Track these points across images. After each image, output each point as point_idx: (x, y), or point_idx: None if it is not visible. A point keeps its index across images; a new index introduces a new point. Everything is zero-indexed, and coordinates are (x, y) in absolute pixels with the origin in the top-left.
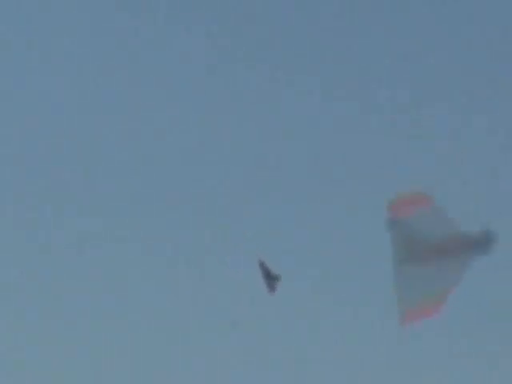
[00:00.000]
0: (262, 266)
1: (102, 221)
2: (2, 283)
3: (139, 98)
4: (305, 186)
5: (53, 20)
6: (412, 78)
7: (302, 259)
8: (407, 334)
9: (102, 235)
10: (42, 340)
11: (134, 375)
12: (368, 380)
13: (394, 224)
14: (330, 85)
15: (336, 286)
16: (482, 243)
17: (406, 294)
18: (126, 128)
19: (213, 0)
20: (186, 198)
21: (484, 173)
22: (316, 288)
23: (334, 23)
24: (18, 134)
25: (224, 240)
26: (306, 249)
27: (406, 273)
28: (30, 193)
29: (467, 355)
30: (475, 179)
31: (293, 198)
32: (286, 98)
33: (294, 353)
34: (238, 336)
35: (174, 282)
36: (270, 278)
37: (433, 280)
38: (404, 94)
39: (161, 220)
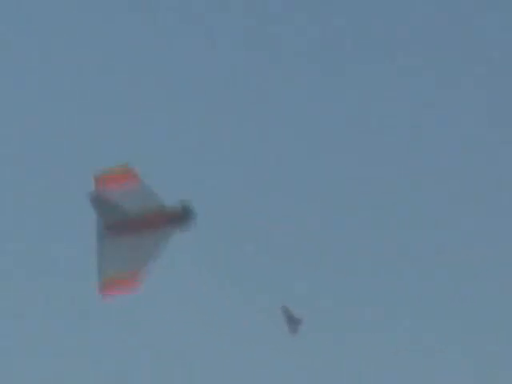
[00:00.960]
0: (285, 310)
1: None
2: None
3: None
4: None
5: (53, 19)
6: None
7: None
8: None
9: None
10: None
11: None
12: None
13: (97, 198)
14: None
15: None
16: (181, 218)
17: (107, 265)
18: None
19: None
20: None
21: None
22: None
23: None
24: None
25: None
26: None
27: (108, 245)
28: None
29: None
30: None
31: None
32: None
33: None
34: None
35: None
36: (293, 322)
37: (134, 252)
38: None
39: None
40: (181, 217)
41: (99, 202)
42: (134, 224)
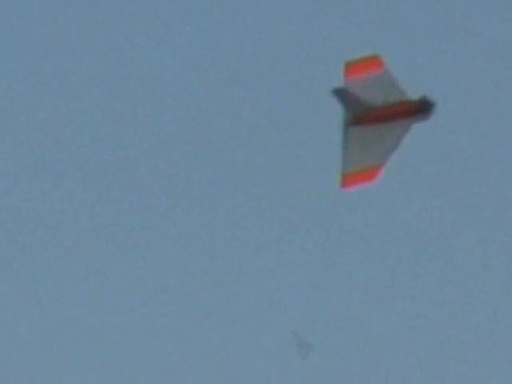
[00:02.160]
0: (295, 335)
1: None
2: None
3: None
4: None
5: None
6: None
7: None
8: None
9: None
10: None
11: None
12: None
13: (340, 90)
14: None
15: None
16: (422, 111)
17: (349, 156)
18: None
19: None
20: None
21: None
22: None
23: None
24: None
25: None
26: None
27: (350, 136)
28: None
29: None
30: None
31: None
32: None
33: None
34: None
35: None
36: (303, 347)
37: (375, 144)
38: None
39: None
40: (421, 110)
41: (343, 94)
42: (376, 115)
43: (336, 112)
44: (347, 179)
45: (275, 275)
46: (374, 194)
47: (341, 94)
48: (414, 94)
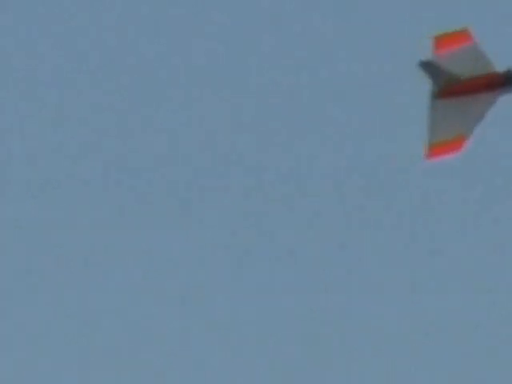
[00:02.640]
0: None
1: None
2: None
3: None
4: None
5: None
6: None
7: None
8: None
9: None
10: None
11: None
12: None
13: (427, 62)
14: None
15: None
16: (508, 82)
17: (435, 127)
18: None
19: None
20: None
21: None
22: None
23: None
24: None
25: None
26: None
27: (437, 108)
28: None
29: None
30: None
31: None
32: None
33: None
34: None
35: None
36: None
37: (461, 116)
38: None
39: None
40: (506, 82)
41: (431, 67)
42: (463, 88)
43: (425, 84)
44: (433, 150)
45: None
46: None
47: (428, 66)
48: (503, 65)
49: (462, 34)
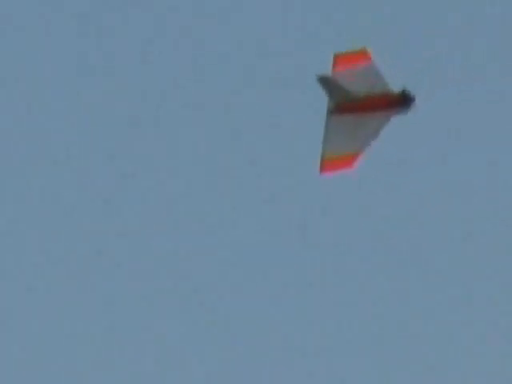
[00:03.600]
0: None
1: None
2: None
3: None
4: None
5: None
6: None
7: None
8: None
9: None
10: None
11: None
12: None
13: (325, 77)
14: None
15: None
16: (401, 103)
17: (329, 143)
18: None
19: None
20: None
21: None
22: None
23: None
24: None
25: None
26: None
27: (332, 124)
28: None
29: None
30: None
31: None
32: None
33: None
34: None
35: None
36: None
37: (355, 133)
38: None
39: None
40: (401, 102)
41: (328, 82)
42: (359, 106)
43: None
44: (326, 165)
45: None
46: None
47: (325, 81)
48: (400, 85)
49: (360, 53)
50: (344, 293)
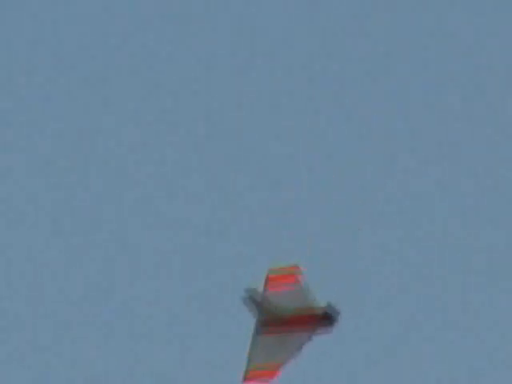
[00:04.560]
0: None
1: None
2: None
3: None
4: None
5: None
6: None
7: None
8: None
9: None
10: None
11: None
12: None
13: (252, 300)
14: None
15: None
16: (325, 320)
17: (253, 355)
18: None
19: None
20: None
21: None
22: None
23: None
24: None
25: None
26: None
27: (258, 341)
28: None
29: None
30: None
31: None
32: None
33: None
34: None
35: None
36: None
37: (279, 348)
38: None
39: None
40: (324, 319)
41: (254, 302)
42: (284, 323)
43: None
44: (248, 375)
45: None
46: None
47: (252, 301)
48: (325, 302)
49: (292, 271)
50: None
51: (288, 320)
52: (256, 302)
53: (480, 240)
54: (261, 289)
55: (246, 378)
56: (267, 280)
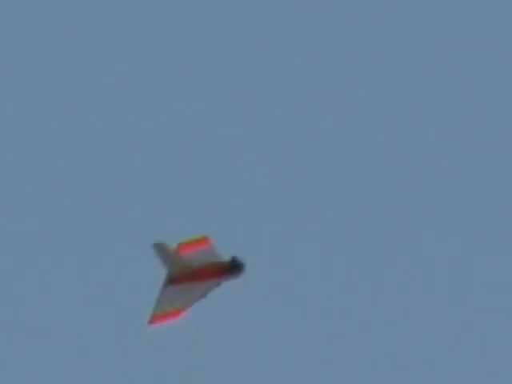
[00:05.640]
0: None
1: None
2: None
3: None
4: None
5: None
6: None
7: None
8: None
9: None
10: None
11: None
12: None
13: (160, 244)
14: None
15: None
16: (231, 271)
17: (161, 303)
18: None
19: None
20: None
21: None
22: None
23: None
24: None
25: None
26: None
27: (166, 291)
28: None
29: None
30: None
31: None
32: None
33: None
34: None
35: None
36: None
37: (185, 295)
38: None
39: None
40: (230, 269)
41: (162, 250)
42: (192, 275)
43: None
44: (154, 319)
45: None
46: None
47: (160, 248)
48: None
49: (201, 240)
50: None
51: (196, 272)
52: (165, 253)
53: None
54: (172, 246)
55: (151, 322)
56: (178, 246)
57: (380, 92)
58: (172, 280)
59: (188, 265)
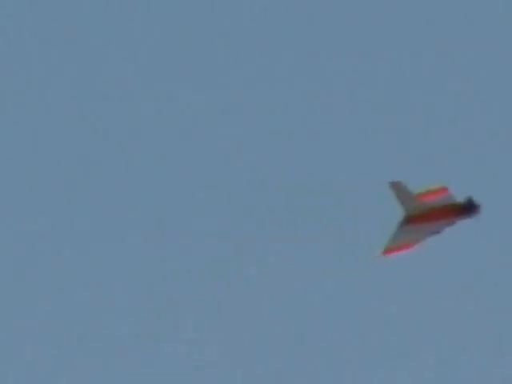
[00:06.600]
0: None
1: None
2: None
3: None
4: None
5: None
6: None
7: None
8: None
9: None
10: None
11: None
12: None
13: (397, 182)
14: None
15: None
16: (466, 211)
17: (396, 237)
18: None
19: None
20: None
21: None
22: None
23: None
24: None
25: None
26: None
27: (402, 228)
28: None
29: None
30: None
31: None
32: None
33: None
34: None
35: None
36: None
37: (417, 232)
38: None
39: None
40: (465, 210)
41: (399, 188)
42: (427, 215)
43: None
44: (387, 250)
45: None
46: None
47: (397, 187)
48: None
49: (439, 189)
50: None
51: (432, 213)
52: (402, 192)
53: None
54: (408, 187)
55: (385, 252)
56: (418, 195)
57: (380, 92)
58: (409, 220)
59: (424, 206)
